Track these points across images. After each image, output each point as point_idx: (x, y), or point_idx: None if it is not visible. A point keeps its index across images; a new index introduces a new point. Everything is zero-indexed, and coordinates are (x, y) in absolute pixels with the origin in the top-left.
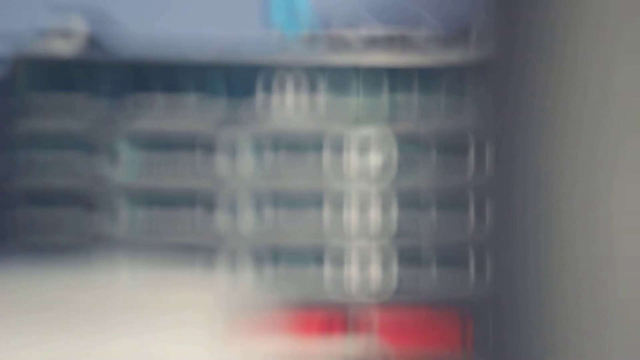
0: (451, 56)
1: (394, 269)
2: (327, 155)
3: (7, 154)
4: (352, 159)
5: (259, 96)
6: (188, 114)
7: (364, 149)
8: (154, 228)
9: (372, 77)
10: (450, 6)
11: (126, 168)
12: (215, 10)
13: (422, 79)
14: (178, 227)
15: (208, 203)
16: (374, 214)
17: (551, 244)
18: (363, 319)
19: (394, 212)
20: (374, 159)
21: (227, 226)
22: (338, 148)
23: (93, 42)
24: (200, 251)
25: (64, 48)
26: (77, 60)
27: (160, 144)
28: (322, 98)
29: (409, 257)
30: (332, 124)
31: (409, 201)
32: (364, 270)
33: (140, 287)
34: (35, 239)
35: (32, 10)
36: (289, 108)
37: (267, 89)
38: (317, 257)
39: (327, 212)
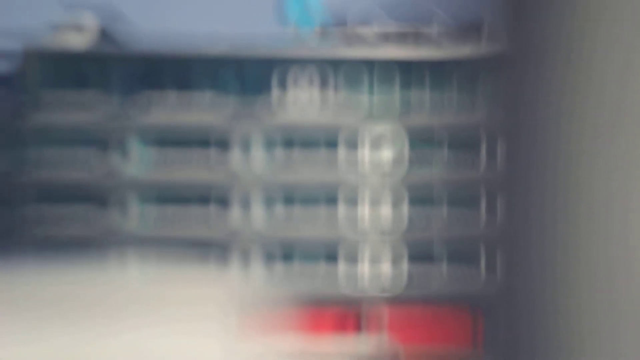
0: (463, 51)
1: (405, 266)
2: (339, 151)
3: (19, 148)
4: (364, 154)
5: (272, 91)
6: (201, 109)
7: (375, 144)
8: (166, 223)
9: (385, 72)
10: (462, 1)
11: (138, 163)
12: (228, 6)
13: (435, 74)
14: (190, 222)
15: (221, 198)
16: (386, 210)
17: (564, 240)
18: (374, 316)
19: (405, 208)
20: (386, 154)
21: (239, 222)
22: (350, 143)
23: (105, 36)
24: (212, 247)
25: (75, 43)
26: (89, 55)
27: (173, 139)
28: (335, 93)
29: (420, 254)
30: (344, 119)
31: (420, 197)
32: (375, 267)
33: (151, 282)
34: (46, 233)
35: (43, 5)
36: (301, 103)
37: (281, 84)
38: (329, 253)
39: (339, 208)
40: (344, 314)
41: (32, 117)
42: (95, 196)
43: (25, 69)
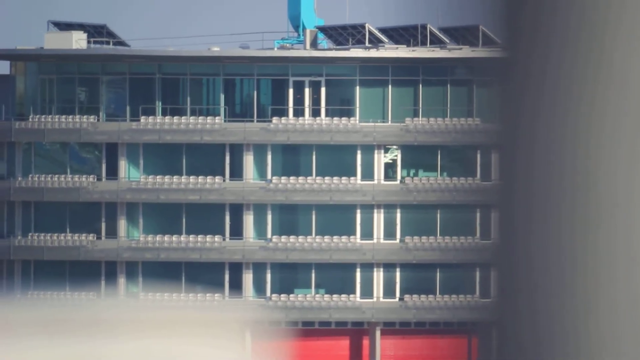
0: (462, 54)
1: (400, 292)
2: (337, 158)
3: (5, 157)
4: (360, 160)
5: (270, 98)
6: (199, 120)
7: (371, 149)
8: (165, 245)
9: (381, 73)
10: (462, 3)
11: (132, 178)
12: (226, 15)
13: (432, 76)
14: (190, 243)
15: (221, 216)
16: (382, 235)
17: (559, 264)
18: (370, 345)
19: (399, 232)
20: (382, 160)
21: (239, 244)
22: (348, 149)
23: (98, 42)
24: (215, 270)
25: (65, 49)
26: (80, 60)
27: (167, 152)
28: (332, 97)
29: (415, 281)
30: (341, 124)
31: (415, 221)
32: (371, 295)
33: (148, 305)
34: (37, 252)
35: (33, 17)
36: (299, 110)
37: (278, 90)
38: (328, 281)
39: (336, 235)
40: (342, 343)
41: (17, 129)
42: (88, 213)
43: (12, 75)
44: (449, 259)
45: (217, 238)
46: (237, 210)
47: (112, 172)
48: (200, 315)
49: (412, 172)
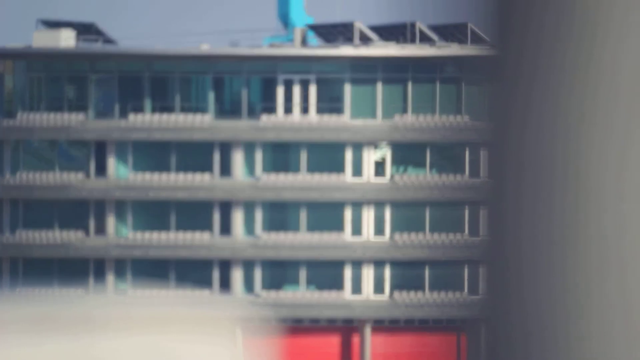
0: (451, 51)
1: (390, 290)
2: (327, 155)
3: None
4: (349, 157)
5: (259, 95)
6: (188, 118)
7: (360, 146)
8: (153, 242)
9: (371, 71)
10: (451, 1)
11: (121, 176)
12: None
13: (421, 73)
14: (179, 240)
15: (209, 213)
16: (372, 232)
17: (549, 261)
18: (359, 342)
19: (389, 229)
20: (372, 158)
21: (228, 241)
22: (337, 147)
23: (87, 40)
24: (205, 267)
25: (55, 46)
26: (68, 58)
27: (156, 150)
28: (321, 95)
29: (404, 278)
30: (331, 122)
31: (404, 217)
32: (361, 292)
33: (138, 302)
34: (25, 249)
35: (21, 20)
36: (288, 107)
37: (267, 88)
38: (317, 277)
39: (328, 230)
40: (332, 340)
41: (7, 127)
42: (78, 211)
43: (2, 73)
44: (438, 256)
45: (206, 235)
46: (226, 208)
47: (101, 170)
48: (189, 313)
49: (401, 169)
